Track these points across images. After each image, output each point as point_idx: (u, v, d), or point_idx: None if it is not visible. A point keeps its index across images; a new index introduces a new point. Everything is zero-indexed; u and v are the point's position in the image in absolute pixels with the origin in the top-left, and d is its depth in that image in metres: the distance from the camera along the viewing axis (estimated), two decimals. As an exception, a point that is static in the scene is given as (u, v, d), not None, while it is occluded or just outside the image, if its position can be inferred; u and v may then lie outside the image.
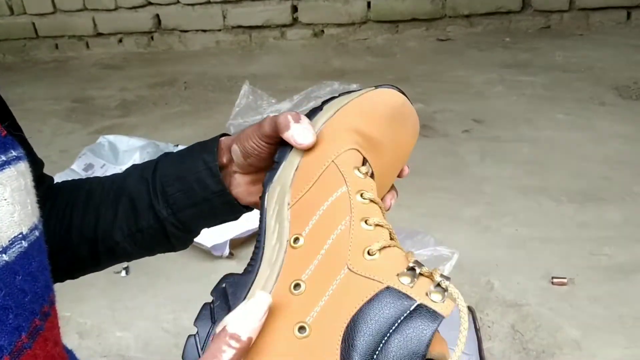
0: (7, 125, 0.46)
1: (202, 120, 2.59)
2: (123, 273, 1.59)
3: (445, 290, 0.37)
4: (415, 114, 0.52)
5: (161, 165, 0.57)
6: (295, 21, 3.57)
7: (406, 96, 0.51)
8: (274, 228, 0.43)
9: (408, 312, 0.35)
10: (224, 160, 0.54)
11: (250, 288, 0.40)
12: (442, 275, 0.38)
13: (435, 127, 2.33)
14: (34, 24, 3.71)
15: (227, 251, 1.61)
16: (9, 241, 0.40)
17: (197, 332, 0.38)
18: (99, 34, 3.71)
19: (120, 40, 3.72)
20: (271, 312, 0.37)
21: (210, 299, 0.40)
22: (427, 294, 0.37)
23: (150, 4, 3.59)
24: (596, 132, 2.20)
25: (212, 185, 0.54)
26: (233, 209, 0.56)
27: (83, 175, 1.92)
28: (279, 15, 3.55)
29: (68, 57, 3.71)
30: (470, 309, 1.12)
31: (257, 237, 0.44)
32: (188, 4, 3.57)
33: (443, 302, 0.36)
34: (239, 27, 3.62)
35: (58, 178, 2.02)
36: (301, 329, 0.37)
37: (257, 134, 0.50)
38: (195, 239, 0.62)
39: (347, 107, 0.49)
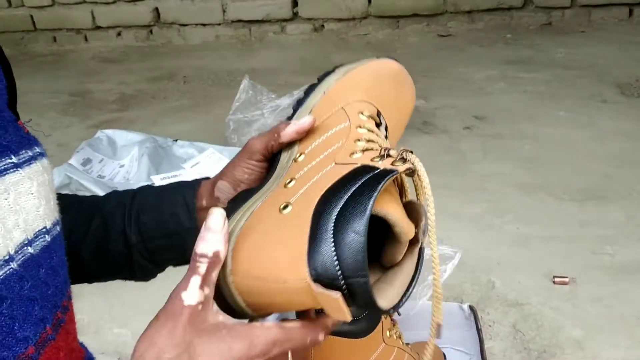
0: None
1: (201, 114, 2.57)
2: (121, 269, 1.58)
3: (406, 160, 0.44)
4: (411, 82, 0.60)
5: (141, 194, 0.58)
6: (295, 16, 3.55)
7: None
8: (286, 153, 0.51)
9: (372, 174, 0.42)
10: (203, 202, 0.56)
11: (254, 194, 0.46)
12: (406, 151, 0.44)
13: (436, 124, 2.31)
14: (32, 16, 3.69)
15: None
16: (34, 234, 0.41)
17: None
18: (98, 27, 3.69)
19: (119, 34, 3.70)
20: (265, 203, 0.44)
21: None
22: (392, 164, 0.43)
23: (150, -3, 3.57)
24: (598, 130, 2.18)
25: (185, 221, 0.55)
26: None
27: (81, 169, 1.90)
28: (278, 10, 3.52)
29: (66, 50, 3.68)
30: (472, 308, 1.11)
31: (274, 162, 0.51)
32: (187, -2, 3.55)
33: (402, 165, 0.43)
34: (239, 21, 3.59)
35: (56, 172, 1.97)
36: (285, 207, 0.43)
37: (245, 157, 0.53)
38: None
39: (355, 70, 0.56)
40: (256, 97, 2.16)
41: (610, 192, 1.78)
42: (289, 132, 0.51)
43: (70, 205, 0.59)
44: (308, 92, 0.56)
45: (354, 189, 0.41)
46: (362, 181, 0.41)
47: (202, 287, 0.39)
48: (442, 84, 2.67)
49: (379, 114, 0.54)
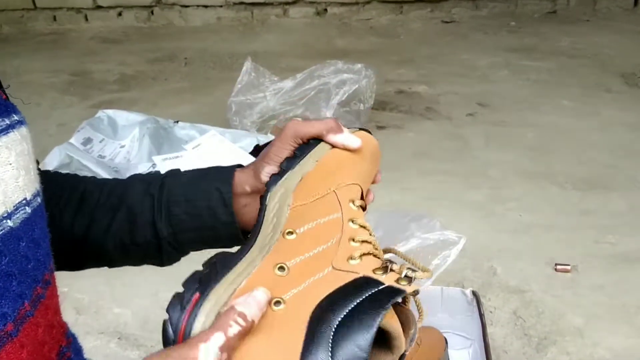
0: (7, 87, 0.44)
1: (202, 97, 2.55)
2: (121, 249, 1.57)
3: (412, 279, 0.43)
4: (379, 157, 0.63)
5: (169, 183, 0.56)
6: (298, -1, 3.52)
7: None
8: (271, 221, 0.49)
9: (375, 290, 0.41)
10: (247, 188, 0.55)
11: (236, 265, 0.44)
12: (409, 268, 0.44)
13: (439, 110, 2.30)
14: (32, -6, 3.64)
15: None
16: (14, 206, 0.39)
17: (169, 318, 0.40)
18: (98, 7, 3.65)
19: (119, 14, 3.66)
20: (251, 284, 0.41)
21: (182, 289, 0.42)
22: (396, 281, 0.42)
23: (151, -23, 3.53)
24: (601, 119, 2.17)
25: (222, 215, 0.54)
26: (234, 239, 0.56)
27: (81, 149, 1.88)
28: (281, -7, 3.49)
29: (66, 30, 3.64)
30: (474, 293, 1.11)
31: (253, 228, 0.48)
32: (189, -21, 3.51)
33: (409, 285, 0.42)
34: (241, 3, 3.56)
35: (57, 151, 1.95)
36: (277, 303, 0.41)
37: (290, 140, 0.54)
38: None
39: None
40: (258, 80, 2.14)
41: (613, 182, 1.78)
42: (339, 140, 0.54)
43: (90, 193, 0.57)
44: (299, 153, 0.55)
45: (358, 301, 0.40)
46: (367, 295, 0.41)
47: (222, 348, 0.35)
48: (446, 71, 2.65)
49: (362, 196, 0.54)
